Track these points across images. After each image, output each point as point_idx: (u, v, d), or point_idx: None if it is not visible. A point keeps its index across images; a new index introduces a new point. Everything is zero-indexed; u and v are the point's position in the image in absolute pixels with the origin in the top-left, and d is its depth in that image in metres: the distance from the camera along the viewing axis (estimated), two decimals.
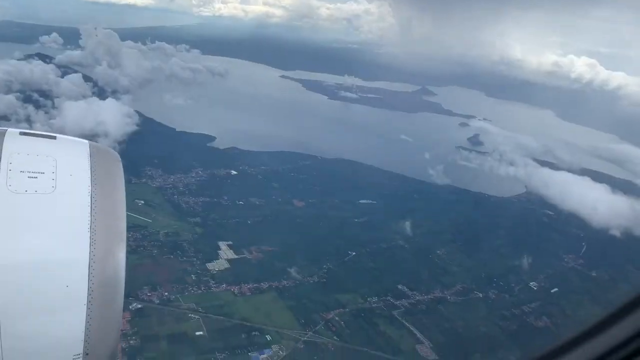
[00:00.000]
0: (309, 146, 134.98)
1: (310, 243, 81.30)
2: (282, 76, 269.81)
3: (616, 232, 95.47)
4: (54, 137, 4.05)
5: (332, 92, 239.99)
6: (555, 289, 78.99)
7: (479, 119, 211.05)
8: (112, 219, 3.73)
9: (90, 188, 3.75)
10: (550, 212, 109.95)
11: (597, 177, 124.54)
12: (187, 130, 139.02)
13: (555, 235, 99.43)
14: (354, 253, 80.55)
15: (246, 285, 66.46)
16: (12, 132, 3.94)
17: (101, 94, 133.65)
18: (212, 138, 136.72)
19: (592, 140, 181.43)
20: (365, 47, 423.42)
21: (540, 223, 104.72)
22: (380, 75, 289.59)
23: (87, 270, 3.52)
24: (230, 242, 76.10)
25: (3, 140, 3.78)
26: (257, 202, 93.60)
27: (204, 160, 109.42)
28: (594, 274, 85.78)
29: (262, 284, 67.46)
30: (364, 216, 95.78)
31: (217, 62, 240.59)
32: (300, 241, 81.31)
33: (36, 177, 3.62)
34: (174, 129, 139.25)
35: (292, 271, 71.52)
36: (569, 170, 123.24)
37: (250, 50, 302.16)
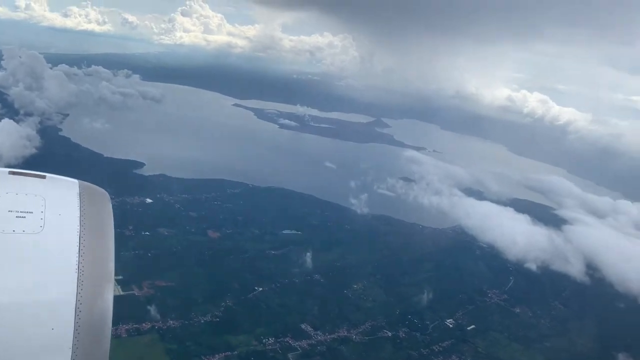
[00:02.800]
0: (243, 174, 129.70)
1: (214, 278, 75.21)
2: (235, 104, 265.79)
3: (532, 265, 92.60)
4: (44, 176, 4.00)
5: (283, 122, 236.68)
6: (473, 326, 74.79)
7: (429, 151, 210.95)
8: (100, 259, 3.60)
9: (79, 228, 3.64)
10: (484, 245, 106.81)
11: (522, 207, 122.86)
12: (115, 157, 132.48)
13: (483, 268, 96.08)
14: (260, 289, 74.75)
15: (124, 326, 59.57)
16: (1, 171, 3.89)
17: (13, 115, 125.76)
18: (140, 164, 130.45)
19: (535, 173, 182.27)
20: (325, 79, 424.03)
21: (471, 256, 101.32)
22: (337, 107, 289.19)
23: (74, 313, 3.37)
24: (120, 277, 69.14)
25: None
26: (166, 233, 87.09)
27: (120, 187, 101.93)
28: (517, 310, 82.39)
29: (143, 324, 60.70)
30: (283, 248, 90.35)
31: (162, 89, 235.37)
32: (203, 276, 75.20)
33: (24, 217, 3.54)
34: (102, 155, 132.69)
35: (183, 310, 64.97)
36: (495, 201, 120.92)
37: (205, 79, 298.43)
